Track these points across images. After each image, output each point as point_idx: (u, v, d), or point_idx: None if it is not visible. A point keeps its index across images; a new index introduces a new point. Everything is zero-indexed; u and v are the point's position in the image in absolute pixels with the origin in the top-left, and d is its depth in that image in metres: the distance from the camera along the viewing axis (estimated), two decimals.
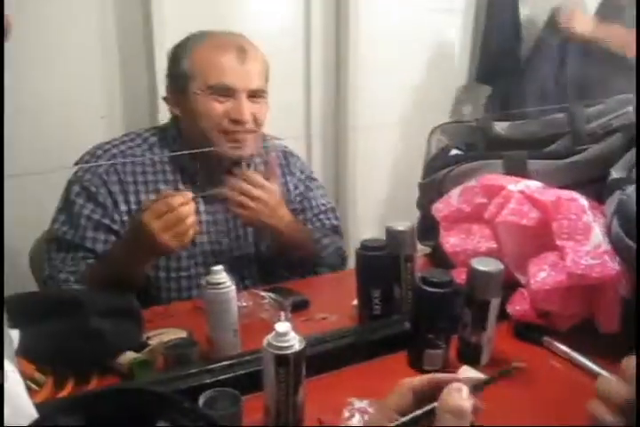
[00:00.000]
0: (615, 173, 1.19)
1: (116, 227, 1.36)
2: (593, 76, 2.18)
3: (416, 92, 2.52)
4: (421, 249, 1.45)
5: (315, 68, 2.25)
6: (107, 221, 1.35)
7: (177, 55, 1.39)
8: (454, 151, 1.49)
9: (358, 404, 0.89)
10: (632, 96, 1.51)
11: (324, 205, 1.63)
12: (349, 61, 2.26)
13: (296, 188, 1.58)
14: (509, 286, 1.11)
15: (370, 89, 2.32)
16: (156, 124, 1.66)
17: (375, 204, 2.45)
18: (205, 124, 1.35)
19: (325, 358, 1.02)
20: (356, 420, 0.87)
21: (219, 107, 1.34)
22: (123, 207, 1.37)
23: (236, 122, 1.34)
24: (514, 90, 2.53)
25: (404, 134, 2.50)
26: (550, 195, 1.13)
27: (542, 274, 1.08)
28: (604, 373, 0.98)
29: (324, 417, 0.90)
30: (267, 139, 1.55)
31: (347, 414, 0.88)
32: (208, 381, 0.92)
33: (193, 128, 1.37)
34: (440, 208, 1.28)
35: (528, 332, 1.12)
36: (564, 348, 1.07)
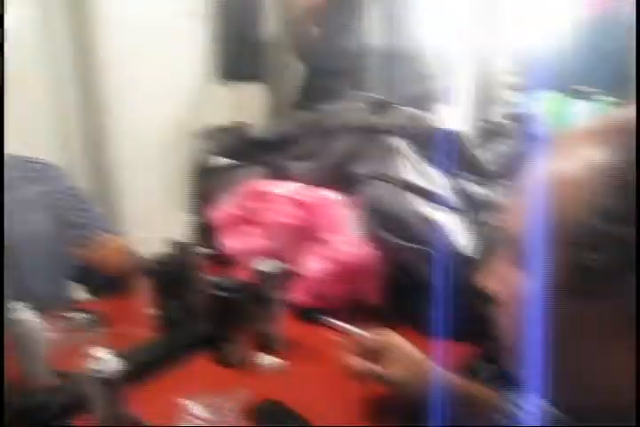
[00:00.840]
0: (359, 169, 1.41)
1: None
2: (332, 73, 2.35)
3: (174, 100, 2.53)
4: (204, 252, 1.58)
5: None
6: None
7: None
8: (217, 158, 1.62)
9: (190, 402, 1.00)
10: (367, 94, 1.75)
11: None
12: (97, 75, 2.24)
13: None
14: (289, 277, 1.28)
15: (127, 99, 2.32)
16: None
17: (148, 213, 2.44)
18: None
19: (140, 370, 1.11)
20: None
21: None
22: None
23: None
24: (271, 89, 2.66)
25: (167, 143, 2.52)
26: (310, 194, 1.32)
27: (313, 264, 1.27)
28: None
29: (156, 421, 1.00)
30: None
31: (181, 414, 0.99)
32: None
33: None
34: (214, 214, 1.41)
35: (310, 315, 1.30)
36: (341, 324, 1.27)
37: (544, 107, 2.23)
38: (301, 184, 1.38)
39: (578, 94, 2.28)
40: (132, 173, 2.40)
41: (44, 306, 1.44)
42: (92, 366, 0.92)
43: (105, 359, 0.92)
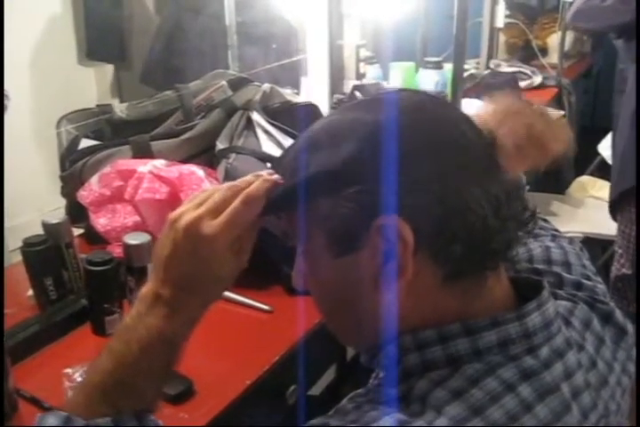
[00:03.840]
0: (220, 145, 1.50)
1: None
2: (192, 52, 2.40)
3: (34, 79, 2.46)
4: (76, 231, 1.62)
5: None
6: None
7: None
8: (85, 140, 1.65)
9: (74, 371, 1.07)
10: (226, 71, 1.82)
11: None
12: None
13: None
14: None
15: None
16: None
17: (21, 198, 2.39)
18: None
19: (24, 346, 1.17)
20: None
21: None
22: None
23: None
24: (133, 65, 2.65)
25: (33, 126, 2.45)
26: (174, 170, 1.39)
27: None
28: (248, 301, 1.31)
29: (45, 394, 1.06)
30: None
31: (67, 383, 1.06)
32: None
33: None
34: (85, 195, 1.46)
35: None
36: None
37: (396, 77, 2.39)
38: (165, 161, 1.45)
39: (427, 64, 2.44)
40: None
41: None
42: None
43: None
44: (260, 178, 0.67)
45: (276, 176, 0.67)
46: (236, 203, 0.66)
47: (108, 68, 2.74)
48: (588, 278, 0.79)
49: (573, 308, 0.69)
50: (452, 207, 0.58)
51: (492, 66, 3.24)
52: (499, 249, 0.61)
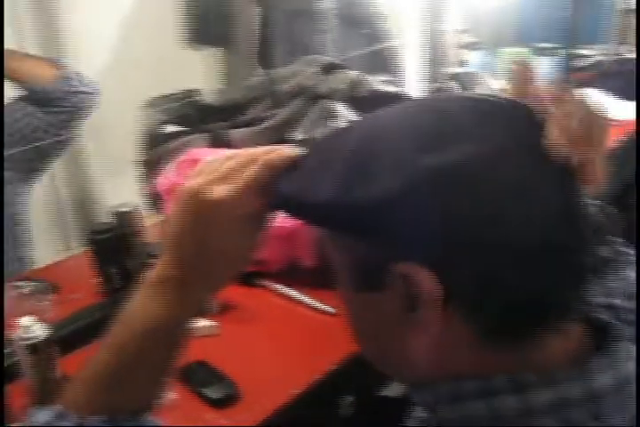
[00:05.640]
0: (299, 135, 1.44)
1: None
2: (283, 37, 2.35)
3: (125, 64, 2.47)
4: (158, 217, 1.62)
5: None
6: None
7: None
8: (169, 126, 1.65)
9: None
10: (319, 56, 1.75)
11: None
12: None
13: None
14: None
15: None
16: None
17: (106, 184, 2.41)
18: None
19: (82, 333, 1.17)
20: None
21: None
22: None
23: None
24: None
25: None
26: None
27: None
28: (312, 302, 1.25)
29: None
30: None
31: None
32: None
33: None
34: (161, 183, 1.45)
35: (247, 278, 1.35)
36: (277, 286, 1.32)
37: (504, 64, 2.22)
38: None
39: (542, 50, 2.27)
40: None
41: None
42: (20, 333, 0.97)
43: (31, 327, 0.97)
44: (281, 150, 0.59)
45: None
46: (256, 167, 0.57)
47: (212, 53, 2.72)
48: None
49: None
50: (493, 256, 0.48)
51: (622, 52, 2.97)
52: (556, 305, 0.50)
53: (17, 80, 1.48)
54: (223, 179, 0.58)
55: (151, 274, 0.63)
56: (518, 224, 0.48)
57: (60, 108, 1.48)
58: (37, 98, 1.47)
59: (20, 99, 1.49)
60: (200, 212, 0.58)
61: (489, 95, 0.55)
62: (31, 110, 1.48)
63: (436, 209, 0.47)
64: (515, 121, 0.52)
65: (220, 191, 0.57)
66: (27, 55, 1.53)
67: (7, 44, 1.53)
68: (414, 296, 0.49)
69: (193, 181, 0.58)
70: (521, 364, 0.50)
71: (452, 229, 0.47)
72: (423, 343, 0.51)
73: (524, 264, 0.48)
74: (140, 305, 0.63)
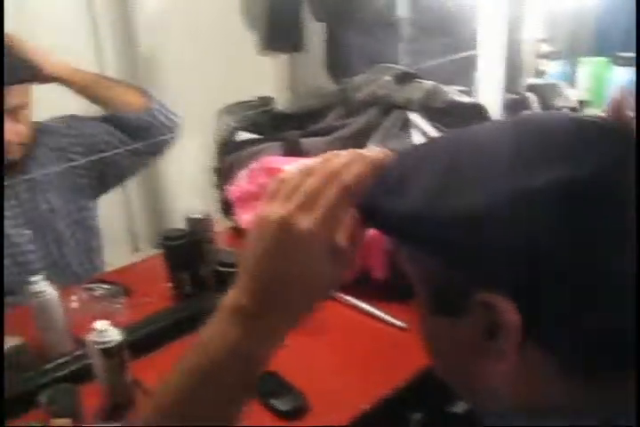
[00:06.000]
0: (371, 146, 1.42)
1: None
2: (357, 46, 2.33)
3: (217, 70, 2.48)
4: (228, 223, 1.63)
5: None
6: None
7: None
8: (242, 133, 1.65)
9: None
10: (393, 66, 1.74)
11: None
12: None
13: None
14: None
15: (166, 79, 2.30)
16: None
17: (177, 189, 2.47)
18: None
19: (154, 337, 1.18)
20: None
21: None
22: None
23: None
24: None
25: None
26: None
27: None
28: (382, 315, 1.23)
29: None
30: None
31: None
32: (45, 380, 1.05)
33: None
34: (232, 190, 1.46)
35: None
36: (348, 298, 1.31)
37: (584, 75, 2.15)
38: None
39: (620, 60, 2.18)
40: None
41: (76, 279, 1.53)
42: (94, 337, 0.98)
43: (105, 331, 0.98)
44: (363, 159, 0.56)
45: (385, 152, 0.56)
46: (333, 194, 0.54)
47: (284, 59, 2.72)
48: None
49: None
50: (579, 295, 0.45)
51: None
52: (633, 346, 0.47)
53: (105, 105, 1.52)
54: (307, 204, 0.55)
55: (226, 300, 0.60)
56: (612, 261, 0.45)
57: (140, 138, 1.51)
58: (121, 124, 1.51)
59: (105, 118, 1.54)
60: (285, 243, 0.55)
61: (593, 117, 0.53)
62: (113, 131, 1.51)
63: (522, 233, 0.45)
64: (618, 144, 0.49)
65: (307, 221, 0.54)
66: (117, 81, 1.56)
67: (90, 68, 1.58)
68: (494, 325, 0.47)
69: (275, 208, 0.56)
70: (602, 402, 0.48)
71: (539, 258, 0.45)
72: (499, 372, 0.50)
73: (611, 304, 0.46)
74: (213, 331, 0.61)
